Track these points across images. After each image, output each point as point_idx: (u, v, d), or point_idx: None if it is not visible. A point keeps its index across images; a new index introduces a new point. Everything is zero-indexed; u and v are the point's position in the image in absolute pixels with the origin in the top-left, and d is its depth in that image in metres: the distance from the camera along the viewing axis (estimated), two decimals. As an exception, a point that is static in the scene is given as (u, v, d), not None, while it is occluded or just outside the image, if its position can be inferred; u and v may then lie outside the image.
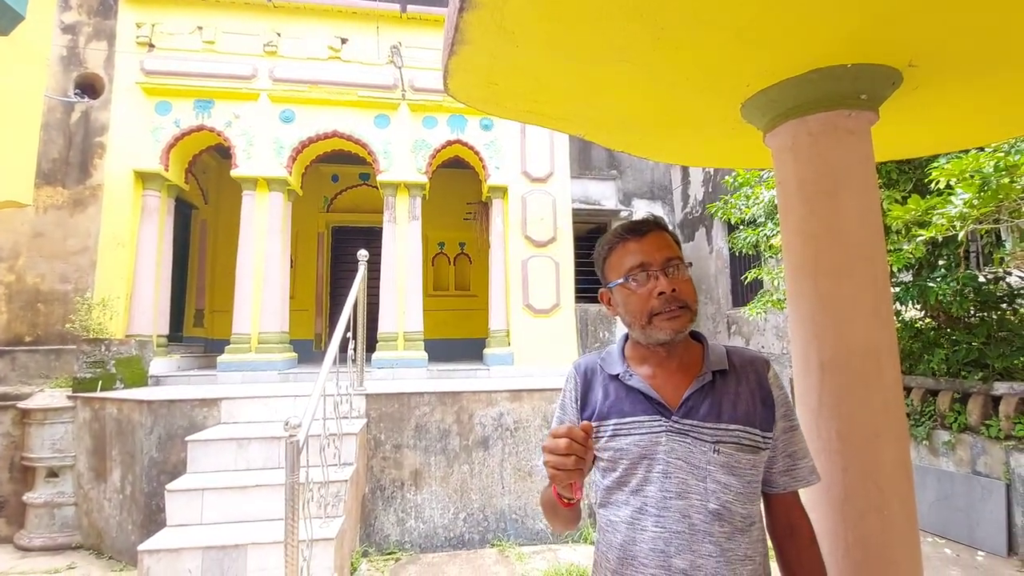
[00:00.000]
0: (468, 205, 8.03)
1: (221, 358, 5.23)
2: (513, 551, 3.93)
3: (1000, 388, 3.79)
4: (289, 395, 4.16)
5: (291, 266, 6.20)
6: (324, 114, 5.69)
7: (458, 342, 7.92)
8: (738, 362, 1.02)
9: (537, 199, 5.99)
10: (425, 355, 5.59)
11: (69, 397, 4.27)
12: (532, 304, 5.83)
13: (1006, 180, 2.73)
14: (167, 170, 5.39)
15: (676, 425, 0.95)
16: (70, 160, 5.15)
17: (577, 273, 6.34)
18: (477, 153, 5.94)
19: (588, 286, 8.70)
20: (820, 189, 1.29)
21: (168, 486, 3.22)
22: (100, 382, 4.39)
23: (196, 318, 7.24)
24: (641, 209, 9.12)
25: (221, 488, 3.22)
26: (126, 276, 5.13)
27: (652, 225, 1.03)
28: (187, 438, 3.57)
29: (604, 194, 9.00)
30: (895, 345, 1.24)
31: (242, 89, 5.51)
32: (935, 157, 3.34)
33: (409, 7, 5.89)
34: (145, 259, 5.23)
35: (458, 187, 7.98)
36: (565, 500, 0.93)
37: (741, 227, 5.72)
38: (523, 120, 1.54)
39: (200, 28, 5.52)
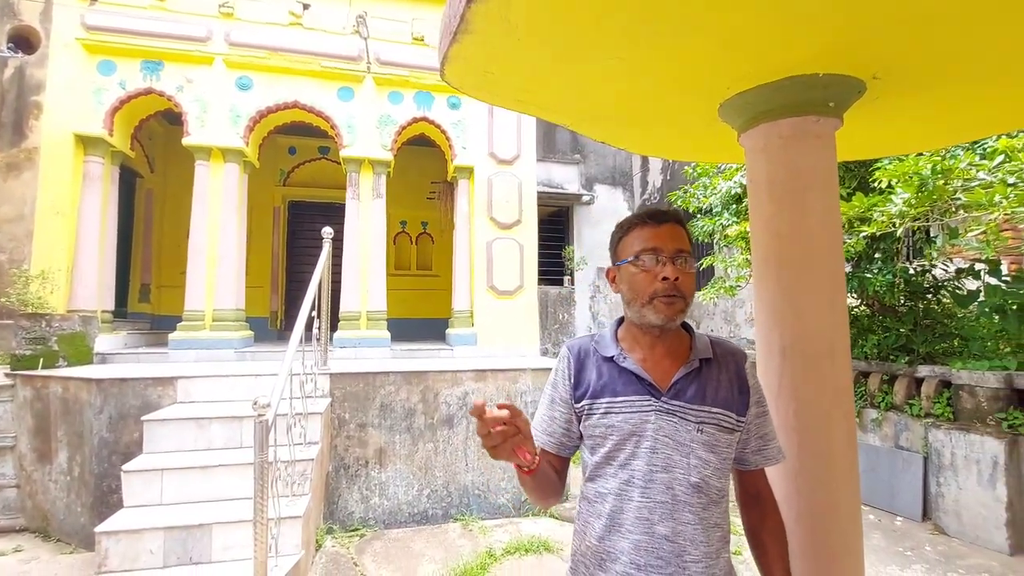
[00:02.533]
0: (432, 184, 7.94)
1: (173, 335, 5.03)
2: (476, 525, 4.05)
3: (923, 371, 4.18)
4: (250, 374, 4.06)
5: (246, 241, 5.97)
6: (284, 83, 5.45)
7: (420, 322, 7.90)
8: (720, 352, 1.11)
9: (503, 181, 6.00)
10: (388, 334, 5.57)
11: (7, 375, 4.01)
12: (496, 285, 5.88)
13: (941, 182, 2.99)
14: (111, 135, 5.04)
15: (665, 405, 1.04)
16: (2, 120, 4.74)
17: (539, 256, 6.43)
18: (444, 132, 5.86)
19: (549, 268, 8.84)
20: (788, 189, 1.40)
21: (125, 467, 3.12)
22: (42, 359, 4.14)
23: (142, 293, 6.88)
24: (602, 194, 9.29)
25: (182, 468, 3.15)
26: (67, 247, 4.81)
27: (672, 216, 1.08)
28: (143, 418, 3.45)
29: (567, 178, 9.09)
30: (847, 334, 1.38)
31: (195, 52, 5.20)
32: (878, 159, 3.59)
33: (376, -25, 5.69)
34: (87, 230, 4.91)
35: (422, 165, 7.87)
36: (525, 469, 0.97)
37: (698, 216, 5.95)
38: (512, 108, 1.57)
39: (148, -18, 5.14)
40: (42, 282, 4.49)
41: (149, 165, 6.88)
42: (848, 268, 4.69)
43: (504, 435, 0.88)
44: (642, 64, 1.30)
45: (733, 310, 8.49)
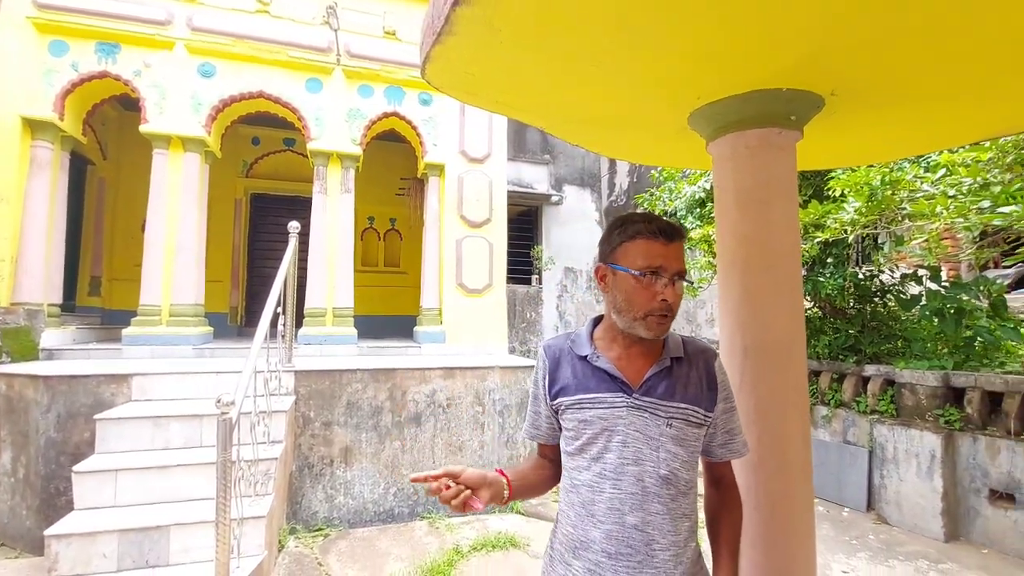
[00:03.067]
0: (402, 180, 7.86)
1: (127, 331, 4.81)
2: (443, 523, 4.06)
3: (869, 370, 4.43)
4: (210, 371, 3.94)
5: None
6: (250, 72, 5.30)
7: (387, 319, 7.81)
8: (691, 350, 1.17)
9: (474, 179, 6.01)
10: (355, 332, 5.49)
11: (-59, 371, 3.76)
12: (465, 283, 5.88)
13: (889, 193, 3.18)
14: (62, 119, 4.79)
15: (636, 401, 1.09)
16: (-59, 100, 4.43)
17: (508, 255, 6.46)
18: (415, 128, 5.82)
19: (518, 267, 8.89)
20: (752, 196, 1.48)
21: (76, 467, 2.98)
22: (-19, 355, 3.90)
23: (92, 286, 6.55)
24: (571, 195, 9.40)
25: (138, 468, 3.03)
26: (11, 236, 4.54)
27: (679, 235, 1.09)
28: (96, 416, 3.30)
29: (537, 178, 9.16)
30: (804, 335, 1.47)
31: (155, 36, 4.99)
32: (833, 169, 3.78)
33: (347, -33, 5.59)
34: (34, 219, 4.65)
35: (391, 161, 7.78)
36: (506, 499, 1.14)
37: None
38: (491, 109, 1.60)
39: (104, -40, 4.90)
40: (-18, 273, 4.22)
41: (101, 152, 6.55)
42: (803, 272, 4.92)
43: (453, 494, 1.04)
44: (618, 71, 1.35)
45: (695, 310, 8.75)
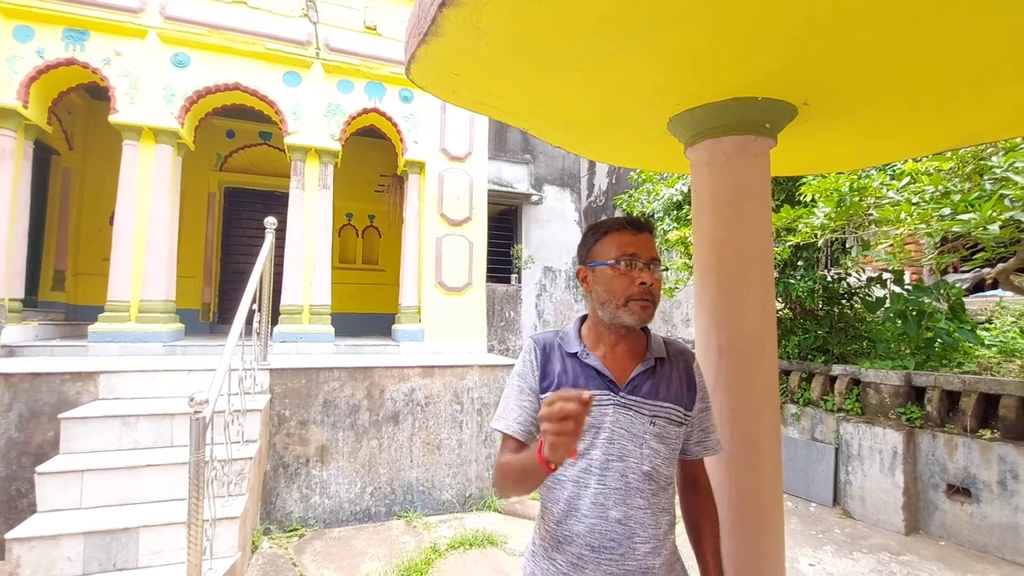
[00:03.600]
0: (382, 177, 7.79)
1: (94, 327, 4.66)
2: (420, 521, 4.05)
3: (836, 369, 4.58)
4: (181, 369, 3.85)
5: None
6: (225, 63, 5.18)
7: (364, 317, 7.74)
8: (673, 352, 1.20)
9: (455, 178, 5.99)
10: (332, 329, 5.42)
11: None
12: (444, 282, 5.87)
13: (857, 199, 3.30)
14: (26, 107, 4.60)
15: (623, 400, 1.11)
16: None
17: (487, 253, 6.46)
18: (395, 125, 5.77)
19: (497, 266, 8.90)
20: (728, 201, 1.52)
21: (39, 468, 2.88)
22: (-65, 351, 3.74)
23: (56, 281, 6.32)
24: (551, 195, 9.45)
25: (105, 469, 2.95)
26: (-32, 228, 4.36)
27: (648, 226, 1.16)
28: (60, 415, 3.20)
29: (517, 177, 9.19)
30: (775, 335, 1.52)
31: (126, 23, 4.84)
32: (804, 176, 3.90)
33: (327, -41, 5.51)
34: (-6, 209, 4.47)
35: (371, 157, 7.71)
36: (553, 465, 0.92)
37: (642, 220, 6.18)
38: (475, 110, 1.61)
39: (71, -56, 4.73)
40: (-62, 266, 4.04)
41: (67, 141, 6.32)
42: (775, 274, 5.06)
43: (577, 427, 0.84)
44: (601, 76, 1.37)
45: (671, 311, 8.89)
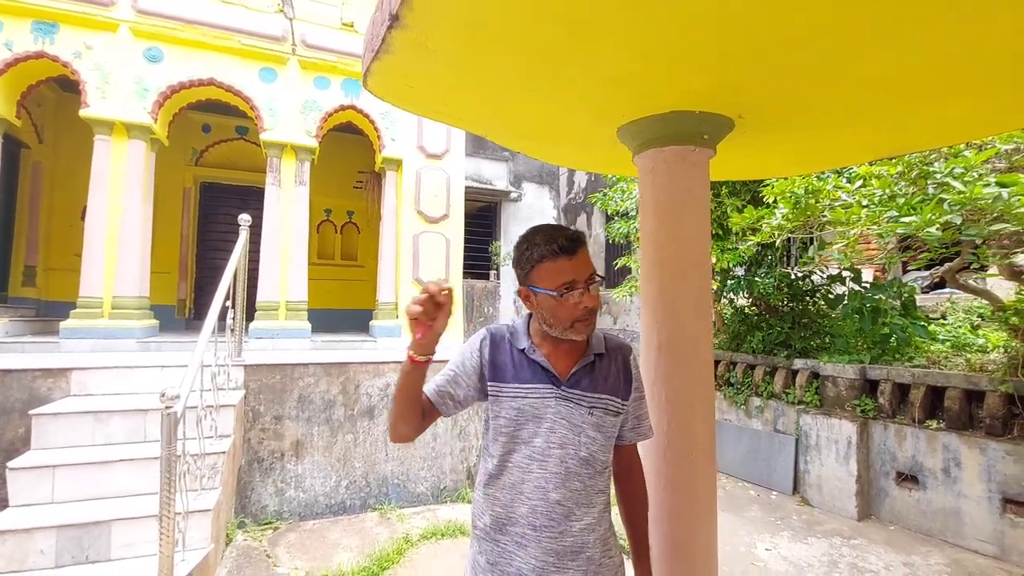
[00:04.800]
0: (360, 174, 7.80)
1: (66, 324, 4.64)
2: (394, 513, 4.13)
3: (798, 364, 4.77)
4: (155, 365, 3.87)
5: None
6: (199, 58, 5.16)
7: (343, 312, 7.76)
8: (611, 347, 1.31)
9: (432, 175, 6.05)
10: (308, 325, 5.46)
11: None
12: (421, 279, 5.93)
13: (812, 201, 3.45)
14: (-8, 101, 4.55)
15: (563, 393, 1.22)
16: None
17: (465, 250, 6.54)
18: (372, 122, 5.80)
19: (476, 262, 8.98)
20: (668, 207, 1.63)
21: (10, 464, 2.90)
22: (-99, 348, 3.70)
23: (26, 276, 6.22)
24: (530, 192, 9.54)
25: (77, 464, 2.98)
26: (-66, 223, 4.30)
27: (580, 243, 1.18)
28: (32, 412, 3.21)
29: (496, 175, 9.26)
30: (711, 333, 1.63)
31: (97, 16, 4.79)
32: (761, 179, 4.05)
33: (304, -45, 5.50)
34: (-39, 204, 4.41)
35: (349, 153, 7.71)
36: (419, 359, 1.15)
37: (616, 217, 6.33)
38: (434, 118, 1.69)
39: (39, -65, 4.65)
40: (-97, 261, 3.98)
41: (37, 135, 6.22)
42: (741, 272, 5.23)
43: (434, 309, 1.09)
44: (548, 91, 1.47)
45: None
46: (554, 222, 10.10)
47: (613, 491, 1.34)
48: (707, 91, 1.47)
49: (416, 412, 1.23)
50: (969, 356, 4.02)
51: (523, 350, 1.26)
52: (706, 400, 1.59)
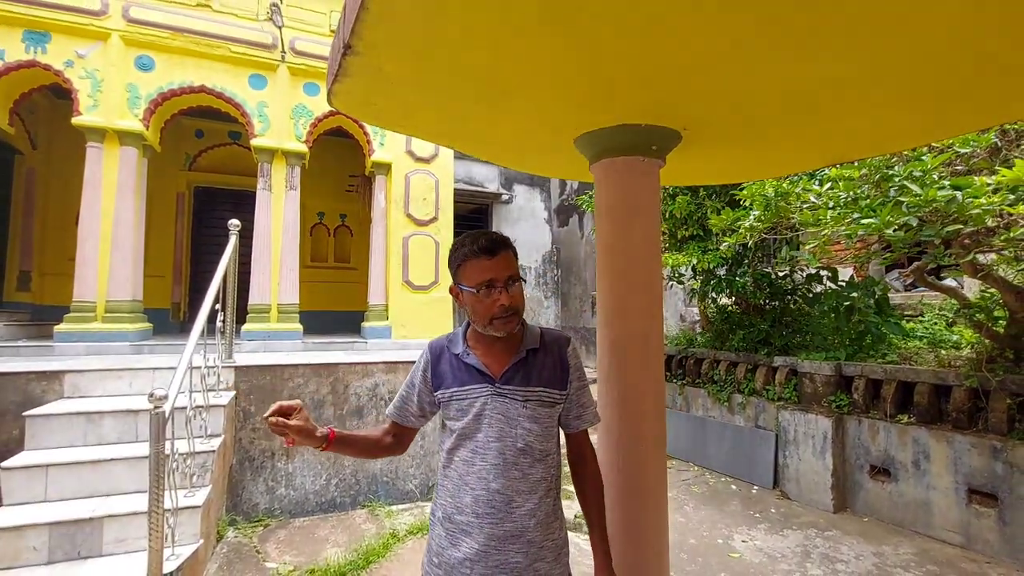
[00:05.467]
0: (351, 177, 7.89)
1: (60, 327, 4.73)
2: (383, 510, 4.23)
3: (778, 361, 4.88)
4: (148, 368, 3.97)
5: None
6: (190, 66, 5.25)
7: (336, 314, 7.85)
8: (548, 340, 1.41)
9: (421, 179, 6.15)
10: (300, 328, 5.55)
11: None
12: (411, 280, 6.04)
13: (782, 203, 3.56)
14: (-14, 109, 4.64)
15: (498, 390, 1.32)
16: None
17: (457, 252, 6.64)
18: (362, 127, 5.90)
19: (468, 264, 9.08)
20: (620, 213, 1.74)
21: (4, 464, 2.99)
22: (-102, 353, 3.79)
23: (20, 281, 6.32)
24: (521, 194, 9.64)
25: (69, 464, 3.07)
26: (-71, 230, 4.39)
27: (502, 245, 1.28)
28: (25, 413, 3.30)
29: (487, 177, 9.36)
30: (661, 331, 1.74)
31: (88, 26, 4.88)
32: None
33: (292, -36, 5.61)
34: (-44, 211, 4.50)
35: (341, 157, 7.80)
36: (322, 447, 1.34)
37: (603, 219, 6.43)
38: (398, 131, 1.79)
39: (31, -54, 4.75)
40: (-101, 268, 4.08)
41: (30, 142, 6.31)
42: (722, 271, 5.34)
43: (278, 429, 1.24)
44: (502, 107, 1.57)
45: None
46: (545, 224, 10.20)
47: (569, 475, 1.45)
48: (651, 106, 1.58)
49: (374, 451, 1.50)
50: (942, 352, 4.14)
51: (458, 355, 1.37)
52: (656, 394, 1.69)
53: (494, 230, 9.60)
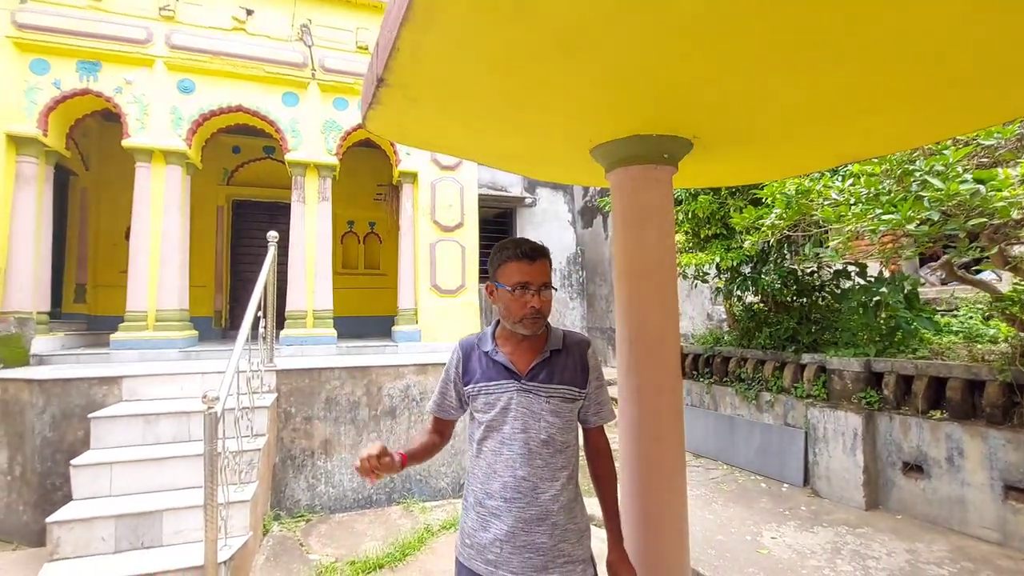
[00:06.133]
0: (379, 186, 8.15)
1: (115, 336, 5.07)
2: (417, 507, 4.40)
3: (806, 358, 4.86)
4: (196, 372, 4.24)
5: (190, 242, 6.01)
6: (228, 87, 5.56)
7: (367, 319, 8.10)
8: (569, 342, 1.53)
9: (446, 186, 6.33)
10: (334, 332, 5.79)
11: (-61, 378, 4.00)
12: (439, 285, 6.22)
13: (804, 200, 3.58)
14: (46, 135, 5.01)
15: (523, 386, 1.44)
16: (-71, 120, 4.63)
17: (483, 255, 6.80)
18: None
19: (494, 267, 9.24)
20: (635, 218, 1.84)
21: (73, 461, 3.27)
22: (-24, 362, 4.15)
23: (77, 293, 6.76)
24: (544, 197, 9.75)
25: (131, 461, 3.33)
26: (0, 249, 4.77)
27: (541, 254, 1.43)
28: (90, 415, 3.59)
29: (511, 181, 9.50)
30: (677, 328, 1.83)
31: (135, 54, 5.23)
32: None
33: (320, -15, 5.87)
34: (22, 231, 4.88)
35: (369, 167, 8.06)
36: (400, 469, 1.48)
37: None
38: (429, 149, 1.94)
39: (84, -17, 5.13)
40: (-25, 284, 4.46)
41: (84, 163, 6.75)
42: (747, 269, 5.34)
43: (370, 472, 1.40)
44: (521, 124, 1.70)
45: (663, 306, 9.15)
46: (569, 226, 10.27)
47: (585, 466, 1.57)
48: (663, 117, 1.68)
49: (433, 453, 1.64)
50: (976, 346, 4.06)
51: (487, 352, 1.50)
52: (673, 388, 1.79)
53: (521, 236, 9.77)
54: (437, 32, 1.10)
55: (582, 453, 1.58)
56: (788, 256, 5.06)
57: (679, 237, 5.40)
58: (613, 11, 1.04)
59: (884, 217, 2.87)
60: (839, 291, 4.99)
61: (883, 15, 1.08)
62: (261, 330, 4.15)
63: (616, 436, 1.88)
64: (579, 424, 1.55)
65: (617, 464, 1.62)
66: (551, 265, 1.50)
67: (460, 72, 1.32)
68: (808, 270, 5.25)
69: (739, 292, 5.42)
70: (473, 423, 1.54)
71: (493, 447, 1.46)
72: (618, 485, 1.59)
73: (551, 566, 1.38)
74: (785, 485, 4.78)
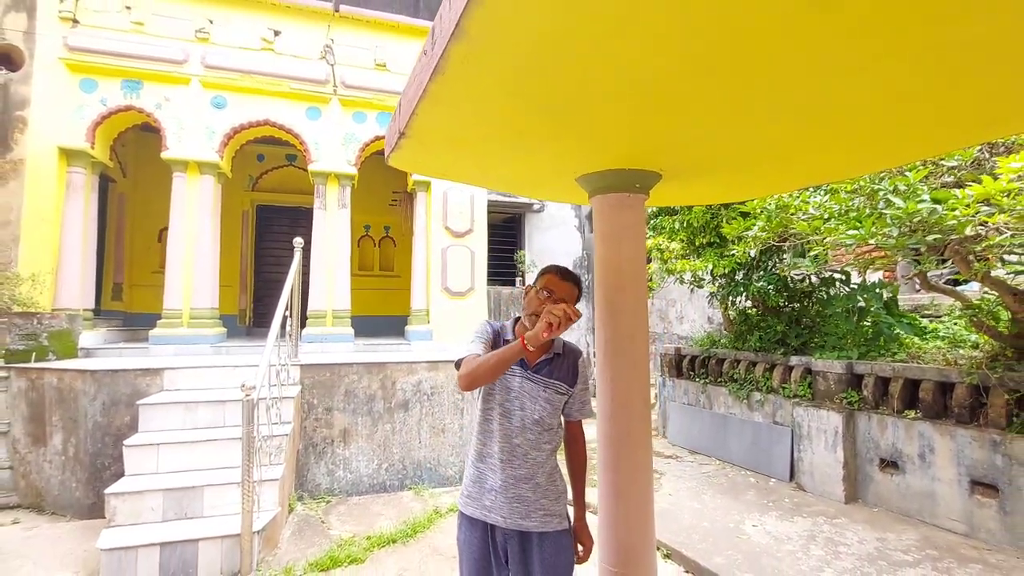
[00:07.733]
0: (394, 193, 8.56)
1: (154, 332, 5.53)
2: (427, 492, 4.78)
3: (793, 360, 5.15)
4: (228, 365, 4.66)
5: (219, 245, 6.47)
6: (256, 103, 6.00)
7: (382, 319, 8.52)
8: (567, 351, 1.92)
9: (457, 194, 6.72)
10: (352, 331, 6.20)
11: (2, 368, 4.48)
12: (450, 287, 6.60)
13: (784, 214, 3.89)
14: (93, 148, 5.49)
15: (528, 375, 1.82)
16: (-10, 135, 5.13)
17: (492, 259, 7.18)
18: (404, 149, 6.50)
19: (502, 270, 9.60)
20: (612, 238, 2.19)
21: (126, 442, 3.70)
22: (34, 354, 4.62)
23: (114, 292, 7.26)
24: (552, 204, 10.08)
25: (174, 443, 3.76)
26: (51, 251, 5.25)
27: (572, 279, 1.84)
28: (139, 402, 4.03)
29: (520, 187, 9.84)
30: (647, 332, 2.18)
31: (173, 73, 5.69)
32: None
33: (342, 7, 6.28)
34: (71, 235, 5.36)
35: (384, 175, 8.46)
36: (530, 348, 1.59)
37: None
38: (442, 178, 2.31)
39: (128, 8, 5.60)
40: (32, 283, 4.94)
41: (122, 170, 7.25)
42: (740, 275, 5.64)
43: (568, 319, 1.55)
44: (520, 161, 2.06)
45: (667, 309, 9.47)
46: (575, 231, 10.59)
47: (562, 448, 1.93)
48: (634, 155, 2.03)
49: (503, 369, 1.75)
50: (958, 351, 4.32)
51: (508, 341, 1.87)
52: (641, 381, 2.12)
53: (525, 236, 10.12)
54: (446, 105, 1.47)
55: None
56: (776, 264, 5.36)
57: (675, 245, 5.71)
58: (593, 86, 1.40)
59: (850, 232, 3.18)
60: (826, 297, 5.27)
61: (806, 82, 1.42)
62: (287, 328, 4.56)
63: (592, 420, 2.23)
64: (563, 416, 1.92)
65: (593, 442, 1.97)
66: (579, 295, 1.87)
67: (465, 131, 1.68)
68: (798, 276, 5.53)
69: (732, 297, 5.72)
70: (483, 394, 1.88)
71: (495, 417, 1.83)
72: (596, 460, 1.95)
73: (533, 515, 1.75)
74: (772, 480, 5.08)
